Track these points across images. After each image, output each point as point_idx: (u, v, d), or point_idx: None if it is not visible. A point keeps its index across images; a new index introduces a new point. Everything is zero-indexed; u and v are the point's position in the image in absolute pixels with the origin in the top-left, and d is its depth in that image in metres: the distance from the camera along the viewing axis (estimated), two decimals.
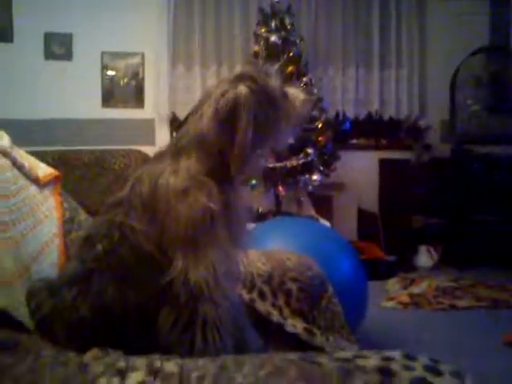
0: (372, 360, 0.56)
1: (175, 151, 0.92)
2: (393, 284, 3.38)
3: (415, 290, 3.22)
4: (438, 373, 0.54)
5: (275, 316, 1.09)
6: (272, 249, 1.36)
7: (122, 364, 0.57)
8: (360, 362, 0.56)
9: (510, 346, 2.40)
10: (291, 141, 1.03)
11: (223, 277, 0.87)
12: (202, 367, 0.56)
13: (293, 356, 0.59)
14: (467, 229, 3.96)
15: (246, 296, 1.11)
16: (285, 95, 0.98)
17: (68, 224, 1.15)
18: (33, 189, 1.07)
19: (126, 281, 0.85)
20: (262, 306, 1.10)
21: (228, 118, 0.89)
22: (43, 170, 1.14)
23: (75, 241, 1.08)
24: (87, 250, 0.88)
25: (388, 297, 3.14)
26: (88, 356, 0.62)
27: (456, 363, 0.59)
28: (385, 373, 0.54)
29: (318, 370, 0.55)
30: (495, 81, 4.38)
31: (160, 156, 0.94)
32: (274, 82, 0.97)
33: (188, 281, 0.82)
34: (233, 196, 0.94)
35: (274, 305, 1.12)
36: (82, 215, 1.23)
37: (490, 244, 3.88)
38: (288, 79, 3.58)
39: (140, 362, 0.57)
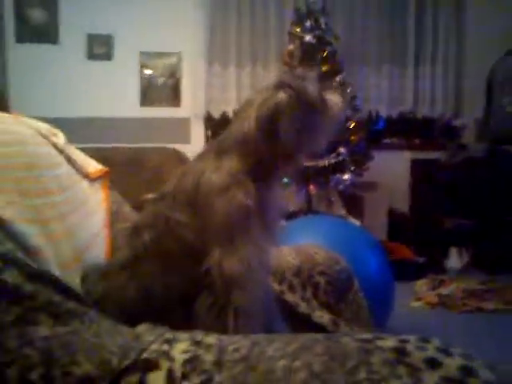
0: (389, 341, 0.63)
1: (218, 151, 1.00)
2: (421, 285, 3.40)
3: (443, 291, 3.23)
4: (448, 354, 0.60)
5: (303, 307, 1.16)
6: (302, 244, 1.43)
7: (169, 335, 0.66)
8: (379, 342, 0.63)
9: None
10: (327, 143, 1.09)
11: (256, 269, 0.95)
12: (237, 341, 0.64)
13: (318, 336, 0.66)
14: (499, 231, 3.93)
15: (276, 287, 1.19)
16: (323, 100, 1.04)
17: (114, 216, 1.25)
18: (84, 183, 1.17)
19: (170, 267, 0.94)
20: (292, 298, 1.18)
21: (269, 124, 0.96)
22: (93, 166, 1.25)
23: (121, 231, 1.18)
24: (135, 239, 0.97)
25: (416, 297, 3.17)
26: (140, 328, 0.72)
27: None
28: (400, 352, 0.60)
29: (341, 348, 0.62)
30: None
31: (204, 154, 1.02)
32: (312, 87, 1.03)
33: (223, 270, 0.91)
34: (268, 195, 1.01)
35: (302, 297, 1.19)
36: (127, 208, 1.34)
37: None
38: (323, 78, 3.62)
39: (184, 335, 0.66)
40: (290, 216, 3.12)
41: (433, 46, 4.37)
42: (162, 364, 0.60)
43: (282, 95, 0.98)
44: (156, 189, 1.06)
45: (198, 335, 0.66)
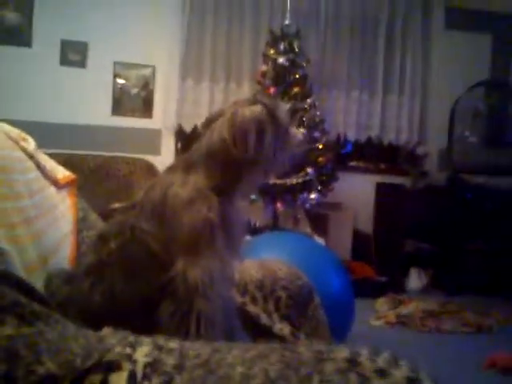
0: (343, 352, 0.67)
1: (186, 165, 1.04)
2: (382, 304, 3.47)
3: (403, 310, 3.31)
4: (397, 365, 0.64)
5: (264, 318, 1.20)
6: (265, 259, 1.46)
7: (132, 339, 0.68)
8: (332, 353, 0.66)
9: (491, 369, 2.48)
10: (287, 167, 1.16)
11: (218, 279, 0.98)
12: (198, 348, 0.67)
13: (275, 345, 0.70)
14: (457, 256, 4.06)
15: (238, 299, 1.22)
16: (287, 130, 1.10)
17: (80, 223, 1.26)
18: (52, 189, 1.18)
19: (134, 274, 0.97)
20: (253, 309, 1.21)
21: (242, 134, 1.01)
22: (62, 173, 1.26)
23: (87, 238, 1.19)
24: (101, 246, 0.99)
25: (376, 316, 3.24)
26: (104, 331, 0.73)
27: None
28: (352, 362, 0.64)
29: (296, 357, 0.65)
30: (493, 114, 4.52)
31: (172, 168, 1.06)
32: (283, 112, 1.09)
33: (186, 279, 0.94)
34: (231, 210, 1.06)
35: (264, 309, 1.23)
36: (93, 216, 1.35)
37: (478, 272, 3.98)
38: (293, 100, 3.71)
39: (146, 339, 0.68)
40: (256, 231, 3.16)
41: (400, 77, 4.54)
42: (124, 365, 0.62)
43: (258, 109, 1.03)
44: (124, 198, 1.08)
45: (161, 340, 0.68)
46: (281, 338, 1.18)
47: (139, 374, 0.61)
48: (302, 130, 3.56)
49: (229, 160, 1.02)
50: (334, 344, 1.18)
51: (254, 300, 1.24)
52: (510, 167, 4.28)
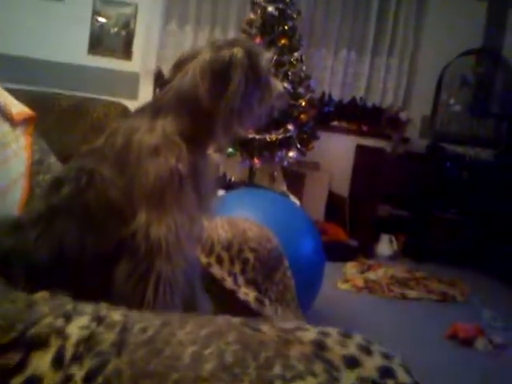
0: (310, 333, 0.60)
1: (155, 109, 0.94)
2: (350, 267, 3.47)
3: (371, 276, 3.32)
4: (369, 352, 0.58)
5: (229, 283, 1.13)
6: (236, 217, 1.39)
7: (69, 307, 0.59)
8: (299, 333, 0.59)
9: (452, 339, 2.50)
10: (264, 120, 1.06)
11: (184, 237, 0.90)
12: (147, 320, 0.59)
13: (236, 320, 0.62)
14: (430, 224, 4.07)
15: (203, 259, 1.15)
16: (268, 80, 1.00)
17: (36, 166, 1.16)
18: (5, 126, 1.07)
19: (88, 226, 0.87)
20: (218, 271, 1.14)
21: (219, 77, 0.91)
22: (18, 109, 1.14)
23: (42, 183, 1.08)
24: (53, 192, 0.89)
25: (344, 279, 3.23)
26: (38, 295, 0.64)
27: (387, 347, 0.63)
28: (319, 346, 0.57)
29: (258, 337, 0.58)
30: (480, 84, 4.44)
31: (139, 112, 0.96)
32: (265, 58, 0.98)
33: (149, 235, 0.85)
34: (203, 161, 0.96)
35: (229, 272, 1.16)
36: (52, 158, 1.24)
37: (448, 240, 4.01)
38: (280, 52, 3.56)
39: (87, 308, 0.59)
40: (231, 186, 3.08)
41: (391, 39, 4.40)
42: (51, 341, 0.53)
43: (237, 51, 0.92)
44: (96, 141, 0.98)
45: (103, 309, 0.59)
46: (245, 303, 1.11)
47: (68, 354, 0.51)
48: (283, 83, 3.44)
49: (201, 106, 0.92)
50: (301, 311, 1.11)
51: (219, 261, 1.17)
52: (492, 139, 4.25)
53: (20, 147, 1.09)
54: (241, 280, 1.16)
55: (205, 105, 0.92)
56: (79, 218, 0.88)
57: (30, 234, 0.86)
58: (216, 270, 1.13)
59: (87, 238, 0.87)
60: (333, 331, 0.60)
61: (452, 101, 4.46)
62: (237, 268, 1.18)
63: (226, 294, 1.12)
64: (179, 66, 0.97)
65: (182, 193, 0.89)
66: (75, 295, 0.65)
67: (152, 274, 0.84)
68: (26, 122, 1.15)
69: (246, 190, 2.68)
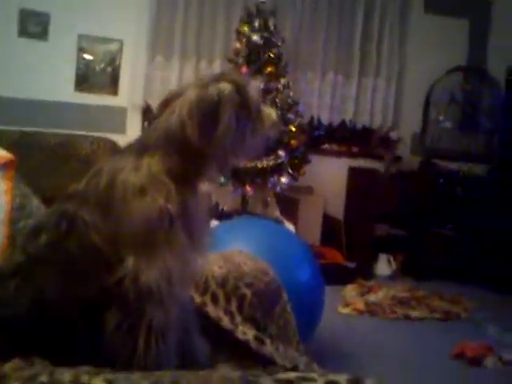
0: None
1: (141, 147, 0.92)
2: (350, 290, 3.42)
3: (371, 298, 3.26)
4: None
5: (226, 322, 1.09)
6: (230, 251, 1.35)
7: (43, 378, 0.54)
8: None
9: (458, 358, 2.45)
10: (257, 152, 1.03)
11: (177, 281, 0.86)
12: None
13: (234, 375, 0.58)
14: (427, 241, 4.04)
15: (197, 299, 1.11)
16: (259, 110, 0.97)
17: (17, 211, 1.12)
18: None
19: (71, 275, 0.83)
20: (214, 311, 1.09)
21: (207, 116, 0.89)
22: None
23: (23, 229, 1.05)
24: (31, 240, 0.86)
25: (344, 303, 3.18)
26: (8, 366, 0.59)
27: None
28: None
29: None
30: (468, 100, 4.48)
31: (125, 151, 0.93)
32: (254, 89, 0.96)
33: (138, 281, 0.81)
34: (193, 199, 0.93)
35: (225, 310, 1.12)
36: (34, 203, 1.20)
37: (445, 256, 3.98)
38: (267, 80, 3.58)
39: (66, 375, 0.55)
40: (224, 216, 3.05)
41: (377, 60, 4.43)
42: None
43: (225, 86, 0.90)
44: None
45: (85, 376, 0.54)
46: (244, 343, 1.07)
47: None
48: (275, 110, 3.44)
49: (190, 145, 0.90)
50: (303, 345, 1.06)
51: (214, 299, 1.13)
52: (483, 154, 4.26)
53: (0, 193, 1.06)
54: (238, 318, 1.11)
55: (194, 144, 0.89)
56: (60, 266, 0.84)
57: (8, 285, 0.82)
58: (211, 310, 1.09)
59: (70, 286, 0.83)
60: (341, 378, 0.56)
61: (441, 117, 4.48)
62: (233, 305, 1.14)
63: (224, 335, 1.08)
64: (166, 103, 0.95)
65: (172, 234, 0.86)
66: (57, 351, 0.61)
67: (143, 323, 0.80)
68: (6, 166, 1.12)
69: (238, 219, 2.65)
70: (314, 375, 0.56)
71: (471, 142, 4.36)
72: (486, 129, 4.36)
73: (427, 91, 4.38)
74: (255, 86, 0.99)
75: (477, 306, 3.32)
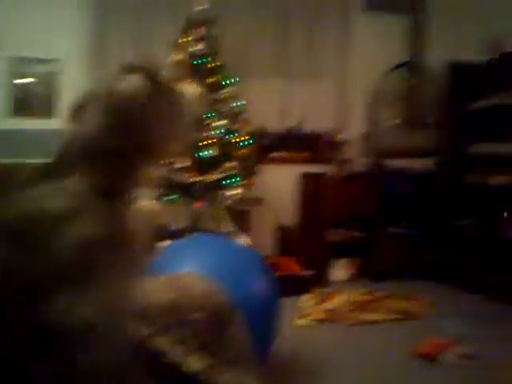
0: None
1: (57, 168, 0.82)
2: (306, 300, 3.33)
3: (329, 305, 3.20)
4: None
5: (172, 354, 1.01)
6: (178, 273, 1.28)
7: None
8: None
9: (421, 357, 2.45)
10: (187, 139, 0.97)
11: (117, 314, 0.78)
12: None
13: None
14: (380, 242, 4.06)
15: (143, 332, 1.03)
16: (176, 89, 0.91)
17: None
18: None
19: None
20: (160, 343, 1.02)
21: (123, 111, 0.82)
22: None
23: None
24: None
25: (301, 314, 3.08)
26: None
27: None
28: None
29: None
30: (413, 96, 4.53)
31: (34, 177, 0.83)
32: (165, 72, 0.90)
33: (70, 319, 0.72)
34: (127, 215, 0.85)
35: (173, 340, 1.04)
36: None
37: (399, 257, 4.01)
38: (210, 90, 3.52)
39: None
40: (175, 235, 2.96)
41: (319, 62, 4.46)
42: None
43: (133, 77, 0.83)
44: None
45: None
46: (195, 374, 1.00)
47: None
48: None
49: (111, 152, 0.81)
50: (260, 371, 1.00)
51: (162, 329, 1.05)
52: (432, 148, 4.31)
53: None
54: (187, 347, 1.04)
55: (116, 148, 0.81)
56: None
57: None
58: (158, 342, 1.02)
59: None
60: None
61: (386, 116, 4.52)
62: (184, 333, 1.07)
63: (172, 369, 1.00)
64: (76, 112, 0.87)
65: (105, 261, 0.78)
66: None
67: (77, 370, 0.71)
68: None
69: (188, 238, 2.56)
70: None
71: (419, 138, 4.41)
72: (432, 124, 4.43)
73: (371, 90, 4.43)
74: (164, 67, 0.93)
75: (436, 302, 3.35)
